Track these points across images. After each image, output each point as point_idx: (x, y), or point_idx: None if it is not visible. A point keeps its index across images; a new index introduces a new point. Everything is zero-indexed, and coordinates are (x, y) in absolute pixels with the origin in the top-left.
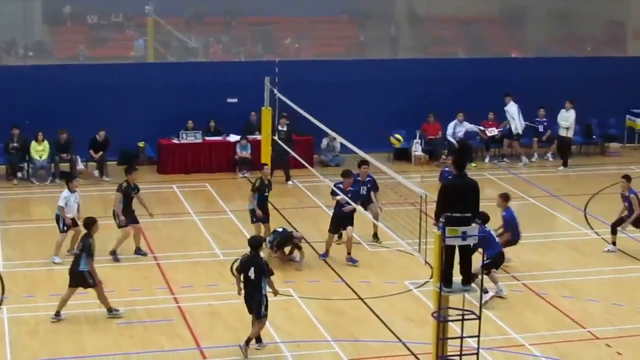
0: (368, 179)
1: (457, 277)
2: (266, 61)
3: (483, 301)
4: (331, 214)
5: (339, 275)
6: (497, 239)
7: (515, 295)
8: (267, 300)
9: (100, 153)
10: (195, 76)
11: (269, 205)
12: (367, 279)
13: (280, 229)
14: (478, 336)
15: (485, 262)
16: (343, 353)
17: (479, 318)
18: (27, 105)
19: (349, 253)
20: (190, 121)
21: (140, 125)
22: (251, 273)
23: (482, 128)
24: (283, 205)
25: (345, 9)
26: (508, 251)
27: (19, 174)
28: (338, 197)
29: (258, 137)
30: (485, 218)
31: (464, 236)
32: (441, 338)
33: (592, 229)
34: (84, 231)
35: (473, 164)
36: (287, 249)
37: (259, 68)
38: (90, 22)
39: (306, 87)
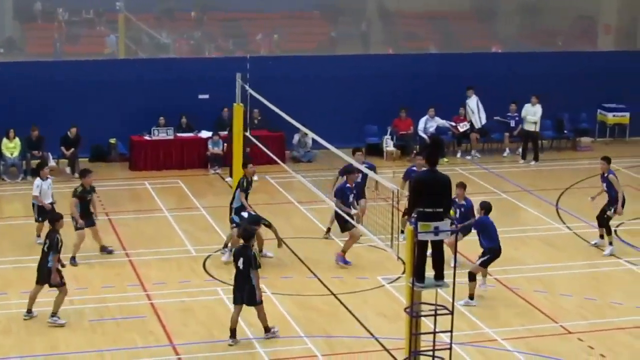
0: (365, 164)
1: (429, 272)
2: (238, 57)
3: (465, 302)
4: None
5: (312, 272)
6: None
7: (488, 290)
8: (258, 288)
9: (72, 150)
10: (166, 72)
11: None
12: (339, 275)
13: (246, 214)
14: (451, 331)
15: (484, 257)
16: (316, 349)
17: (452, 313)
18: None
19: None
20: (161, 117)
21: (112, 122)
22: (240, 264)
23: (453, 124)
24: (255, 202)
25: (316, 4)
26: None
27: None
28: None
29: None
30: (488, 208)
31: (437, 231)
32: (414, 333)
33: (564, 223)
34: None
35: (445, 159)
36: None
37: (231, 64)
38: (61, 19)
39: (278, 83)
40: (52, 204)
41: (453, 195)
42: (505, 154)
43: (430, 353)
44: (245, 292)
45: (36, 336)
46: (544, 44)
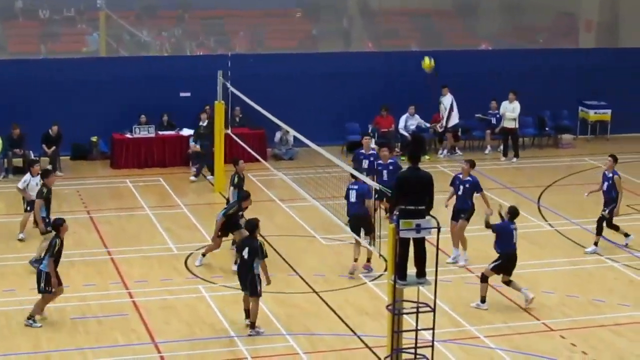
0: (391, 161)
1: (411, 270)
2: (219, 55)
3: (476, 305)
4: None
5: (293, 269)
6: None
7: (470, 287)
8: (260, 279)
9: (53, 148)
10: (147, 70)
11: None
12: (321, 272)
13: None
14: (433, 329)
15: (496, 262)
16: (298, 347)
17: (434, 311)
18: None
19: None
20: (143, 115)
21: (93, 120)
22: (245, 253)
23: (427, 125)
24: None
25: (297, 2)
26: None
27: None
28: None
29: None
30: (514, 213)
31: (418, 229)
32: (396, 331)
33: (545, 220)
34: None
35: (427, 157)
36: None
37: (212, 62)
38: (43, 17)
39: (259, 81)
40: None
41: (458, 172)
42: (486, 152)
43: (413, 351)
44: (248, 282)
45: (19, 334)
46: (526, 41)
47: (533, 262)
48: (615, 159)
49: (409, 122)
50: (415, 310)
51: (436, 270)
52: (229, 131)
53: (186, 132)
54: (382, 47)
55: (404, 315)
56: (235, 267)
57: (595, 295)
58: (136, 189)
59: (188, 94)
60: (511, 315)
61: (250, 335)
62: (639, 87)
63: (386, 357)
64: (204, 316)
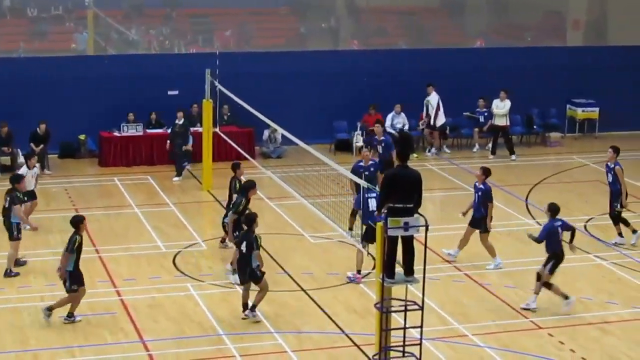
0: (383, 138)
1: (399, 268)
2: (207, 53)
3: (566, 304)
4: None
5: (282, 267)
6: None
7: (458, 285)
8: (259, 270)
9: (41, 146)
10: (135, 68)
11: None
12: (309, 271)
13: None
14: (421, 327)
15: (550, 264)
16: (286, 345)
17: (422, 309)
18: None
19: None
20: (131, 114)
21: (81, 118)
22: (243, 247)
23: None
24: (226, 197)
25: (285, 0)
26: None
27: None
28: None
29: (199, 129)
30: (555, 210)
31: (406, 227)
32: (384, 329)
33: (533, 218)
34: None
35: (415, 155)
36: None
37: (200, 60)
38: (31, 15)
39: (247, 79)
40: (31, 191)
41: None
42: (474, 150)
43: (401, 349)
44: (247, 274)
45: (6, 332)
46: (514, 39)
47: (521, 260)
48: (615, 150)
49: (395, 120)
50: (403, 308)
51: (424, 269)
52: (217, 129)
53: None
54: (370, 46)
55: (392, 314)
56: (228, 266)
57: (583, 293)
58: (124, 187)
59: (176, 92)
60: (499, 313)
61: (246, 316)
62: (626, 85)
63: (374, 355)
64: (192, 314)
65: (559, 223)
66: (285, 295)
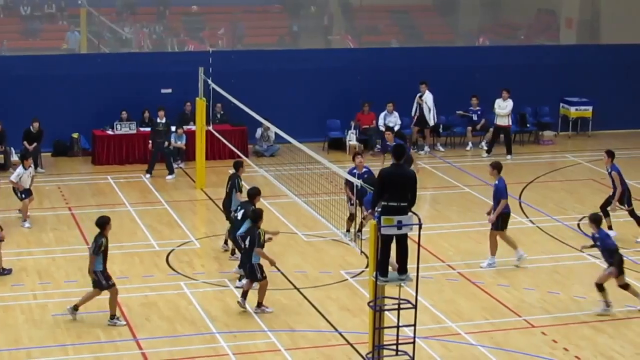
0: (365, 169)
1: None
2: (200, 51)
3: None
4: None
5: (275, 266)
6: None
7: (451, 284)
8: (258, 267)
9: (35, 144)
10: (129, 67)
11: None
12: (302, 269)
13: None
14: (414, 325)
15: (616, 272)
16: (279, 343)
17: (415, 307)
18: None
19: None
20: (124, 112)
21: (74, 117)
22: (247, 242)
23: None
24: (219, 196)
25: None
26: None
27: None
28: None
29: (192, 127)
30: (598, 221)
31: (399, 225)
32: (377, 327)
33: (527, 217)
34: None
35: None
36: None
37: (193, 58)
38: (24, 14)
39: (240, 77)
40: (28, 189)
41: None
42: (468, 148)
43: (394, 347)
44: (247, 270)
45: None
46: (506, 37)
47: (514, 259)
48: (609, 154)
49: (387, 119)
50: (396, 306)
51: (417, 267)
52: (210, 128)
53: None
54: (362, 44)
55: (386, 312)
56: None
57: (577, 292)
58: (117, 186)
59: (169, 91)
60: (492, 312)
61: (255, 312)
62: (619, 84)
63: (368, 354)
64: (186, 313)
65: (606, 231)
66: (279, 293)
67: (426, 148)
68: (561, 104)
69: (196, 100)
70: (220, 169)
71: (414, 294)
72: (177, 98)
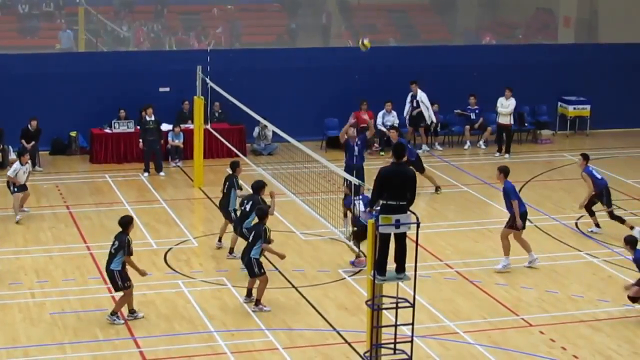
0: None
1: (391, 265)
2: (198, 50)
3: None
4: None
5: (273, 264)
6: None
7: (449, 283)
8: (256, 261)
9: (32, 143)
10: (127, 65)
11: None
12: (300, 268)
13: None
14: (412, 324)
15: None
16: (277, 342)
17: (413, 306)
18: None
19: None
20: (122, 110)
21: (72, 115)
22: (250, 237)
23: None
24: (217, 194)
25: None
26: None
27: None
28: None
29: (190, 126)
30: (633, 242)
31: (398, 224)
32: (375, 326)
33: None
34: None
35: (382, 153)
36: None
37: (191, 57)
38: (21, 12)
39: (238, 76)
40: (23, 185)
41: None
42: (466, 147)
43: (392, 346)
44: (245, 264)
45: None
46: (504, 36)
47: (512, 258)
48: (584, 157)
49: (385, 118)
50: (394, 305)
51: (415, 266)
52: (208, 126)
53: (165, 127)
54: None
55: (384, 311)
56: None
57: (574, 291)
58: (115, 184)
59: (167, 89)
60: (490, 310)
61: (253, 311)
62: (618, 83)
63: (365, 353)
64: (183, 311)
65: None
66: (276, 292)
67: (424, 147)
68: (559, 103)
69: (194, 98)
70: (218, 167)
71: (412, 293)
72: (175, 96)
